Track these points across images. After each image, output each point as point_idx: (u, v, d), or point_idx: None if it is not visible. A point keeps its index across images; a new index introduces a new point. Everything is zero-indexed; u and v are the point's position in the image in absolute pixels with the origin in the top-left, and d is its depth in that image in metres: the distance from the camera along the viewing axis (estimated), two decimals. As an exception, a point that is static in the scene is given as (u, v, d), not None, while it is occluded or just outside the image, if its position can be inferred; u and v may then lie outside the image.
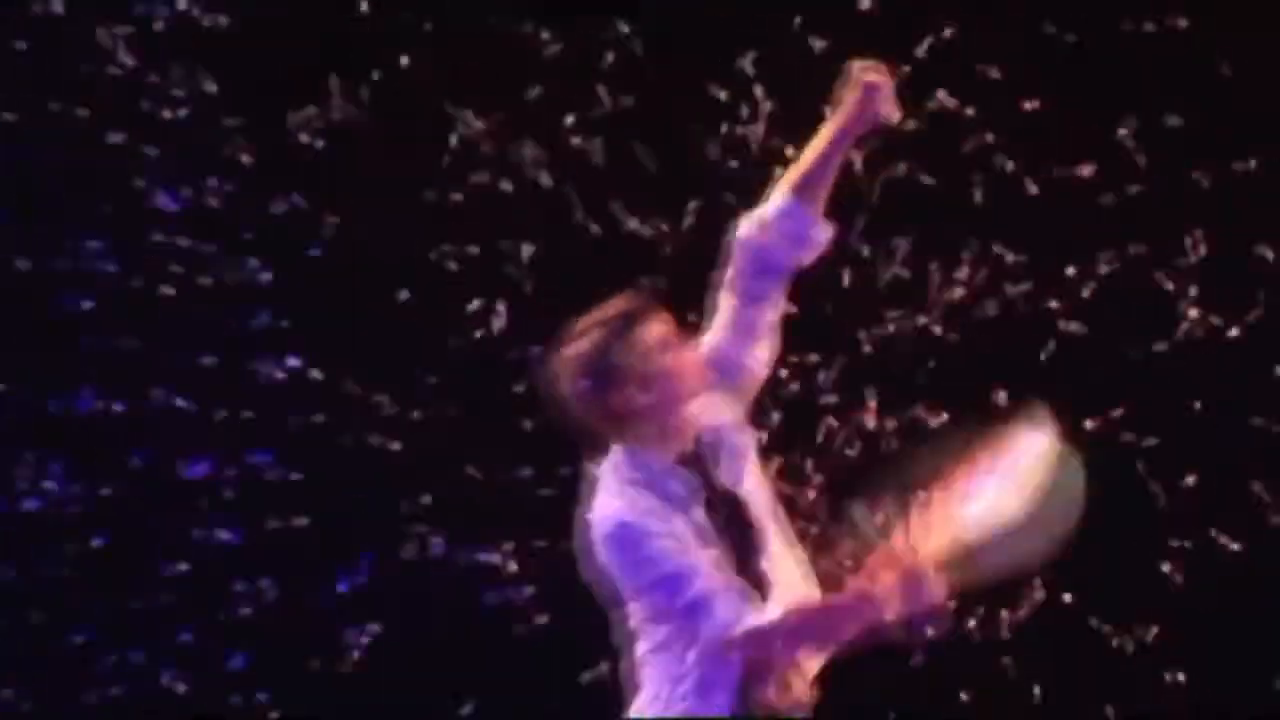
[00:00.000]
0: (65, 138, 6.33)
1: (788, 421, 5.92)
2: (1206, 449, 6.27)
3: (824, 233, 3.83)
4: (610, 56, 6.24)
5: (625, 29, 6.22)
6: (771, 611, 3.64)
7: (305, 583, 6.36)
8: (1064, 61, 6.31)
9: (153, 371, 6.35)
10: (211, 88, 6.30)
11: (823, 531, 4.31)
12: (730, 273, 3.83)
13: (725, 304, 3.83)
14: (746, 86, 6.20)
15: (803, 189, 3.79)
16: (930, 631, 3.74)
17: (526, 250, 6.27)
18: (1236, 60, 6.30)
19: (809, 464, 5.93)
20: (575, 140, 6.27)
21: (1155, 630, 6.20)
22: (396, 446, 6.31)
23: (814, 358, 6.08)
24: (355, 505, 6.34)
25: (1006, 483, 3.67)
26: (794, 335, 4.24)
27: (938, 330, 6.18)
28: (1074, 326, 6.25)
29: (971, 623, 6.06)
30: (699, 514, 3.68)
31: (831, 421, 6.08)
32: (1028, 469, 3.69)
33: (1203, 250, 6.26)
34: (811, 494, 5.73)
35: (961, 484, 3.67)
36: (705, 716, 3.71)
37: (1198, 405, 6.28)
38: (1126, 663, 6.24)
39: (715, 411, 3.76)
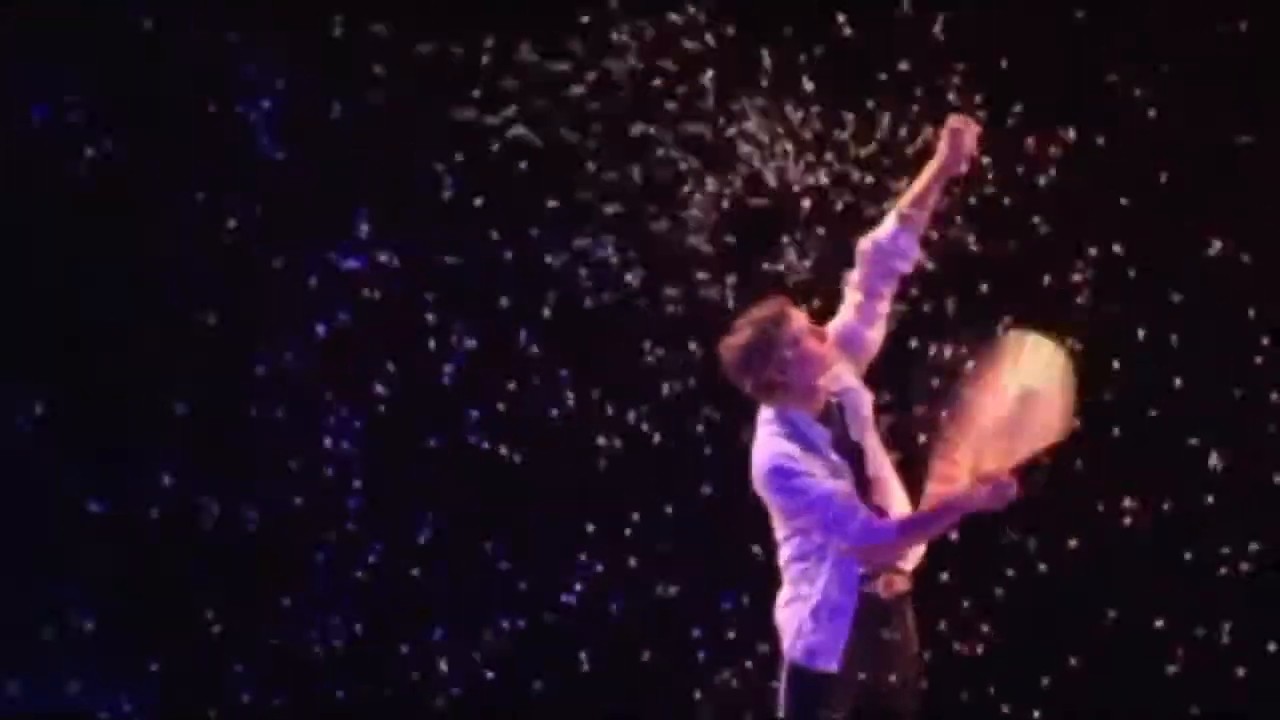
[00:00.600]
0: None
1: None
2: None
3: (918, 253, 5.13)
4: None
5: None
6: (892, 520, 4.93)
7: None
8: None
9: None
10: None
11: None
12: (855, 274, 5.12)
13: (850, 297, 5.11)
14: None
15: (904, 219, 5.08)
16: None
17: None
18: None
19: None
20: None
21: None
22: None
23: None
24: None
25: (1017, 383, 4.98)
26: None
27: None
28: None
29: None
30: (833, 456, 4.93)
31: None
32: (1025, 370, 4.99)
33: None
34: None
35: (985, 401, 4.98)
36: (832, 606, 4.96)
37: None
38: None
39: (843, 380, 5.01)
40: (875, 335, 5.13)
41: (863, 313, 5.11)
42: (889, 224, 5.12)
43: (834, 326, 5.12)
